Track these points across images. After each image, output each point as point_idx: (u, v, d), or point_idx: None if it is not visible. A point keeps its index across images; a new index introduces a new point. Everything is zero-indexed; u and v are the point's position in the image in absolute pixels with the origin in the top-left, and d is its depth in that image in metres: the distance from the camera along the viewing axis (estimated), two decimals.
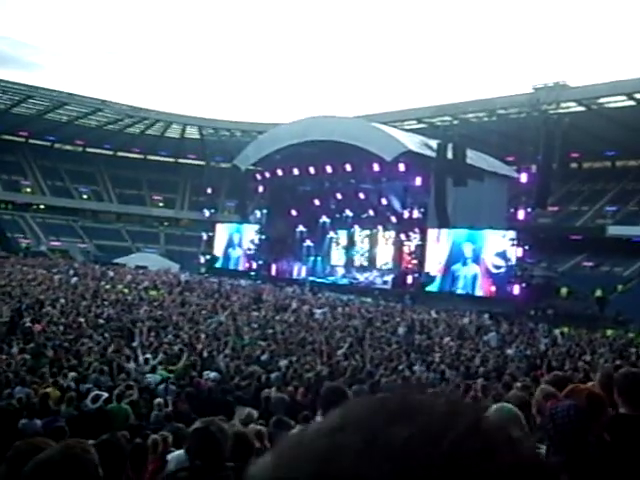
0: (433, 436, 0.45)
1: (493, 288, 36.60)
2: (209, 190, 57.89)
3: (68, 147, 79.25)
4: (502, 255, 36.01)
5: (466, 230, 37.95)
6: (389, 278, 43.31)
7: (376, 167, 40.24)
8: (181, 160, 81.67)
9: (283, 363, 16.57)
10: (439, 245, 39.17)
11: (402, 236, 42.83)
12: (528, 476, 0.48)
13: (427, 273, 39.26)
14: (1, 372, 13.87)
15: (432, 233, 39.63)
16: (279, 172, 47.39)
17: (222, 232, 56.02)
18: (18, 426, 9.87)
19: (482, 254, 37.25)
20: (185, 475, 3.17)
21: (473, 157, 38.94)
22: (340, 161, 42.40)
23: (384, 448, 0.44)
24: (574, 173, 55.73)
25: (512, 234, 35.64)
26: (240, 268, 52.34)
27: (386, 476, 0.43)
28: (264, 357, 17.80)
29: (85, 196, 76.66)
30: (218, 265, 54.54)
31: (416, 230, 40.76)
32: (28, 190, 73.81)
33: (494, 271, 36.65)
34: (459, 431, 0.46)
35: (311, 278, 46.91)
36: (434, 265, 39.30)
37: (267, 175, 48.67)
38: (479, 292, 37.24)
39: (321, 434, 0.49)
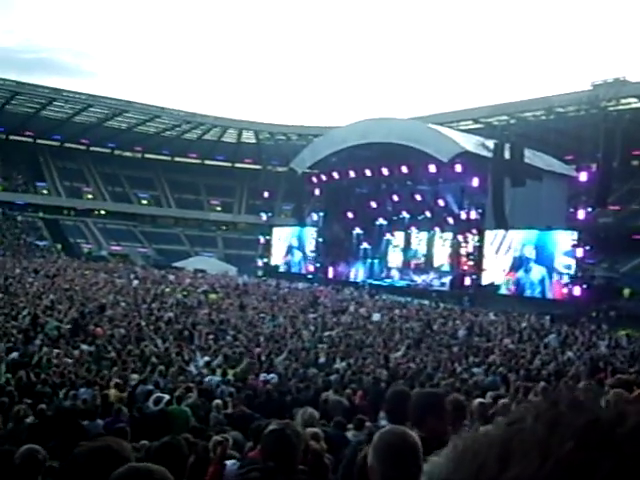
0: (611, 423, 0.52)
1: (565, 290, 35.64)
2: (266, 194, 58.20)
3: (127, 153, 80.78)
4: (571, 255, 35.15)
5: (535, 231, 37.13)
6: (447, 280, 42.94)
7: (432, 168, 39.94)
8: (238, 164, 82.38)
9: (341, 366, 16.55)
10: (502, 247, 38.48)
11: (459, 237, 42.42)
12: None
13: (492, 283, 38.55)
14: (66, 374, 14.19)
15: (490, 235, 39.10)
16: (335, 175, 47.41)
17: (279, 235, 56.30)
18: (82, 426, 10.08)
19: (551, 255, 36.35)
20: (257, 475, 3.17)
21: (531, 156, 38.35)
22: (396, 163, 42.20)
23: (566, 429, 0.52)
24: (635, 171, 54.27)
25: (573, 234, 34.96)
26: (298, 271, 52.52)
27: (570, 451, 0.50)
28: (322, 360, 17.80)
29: (144, 201, 77.97)
30: (275, 268, 54.82)
31: (474, 231, 40.33)
32: (89, 196, 75.43)
33: (564, 271, 35.76)
34: (629, 424, 0.53)
35: (368, 280, 46.80)
36: (497, 270, 38.59)
37: (323, 178, 48.73)
38: (549, 294, 36.35)
39: (498, 429, 0.55)
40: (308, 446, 4.27)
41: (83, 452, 2.60)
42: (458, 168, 38.27)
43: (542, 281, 36.72)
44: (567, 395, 0.58)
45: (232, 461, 6.97)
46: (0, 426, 10.01)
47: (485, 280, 39.10)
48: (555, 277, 36.28)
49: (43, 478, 5.49)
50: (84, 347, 18.21)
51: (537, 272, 36.94)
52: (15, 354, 16.04)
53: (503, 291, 38.08)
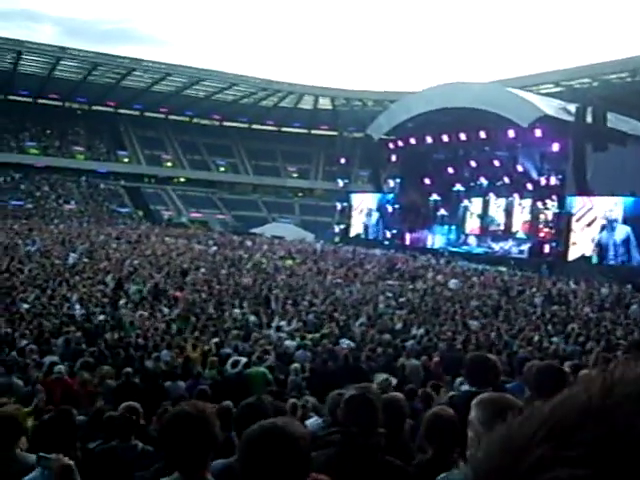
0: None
1: None
2: (342, 160, 58.08)
3: (205, 122, 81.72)
4: None
5: (620, 198, 35.81)
6: (525, 247, 42.14)
7: (511, 133, 39.07)
8: (314, 131, 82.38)
9: (418, 332, 16.53)
10: (587, 217, 37.24)
11: (539, 204, 41.52)
12: None
13: (583, 255, 37.34)
14: (149, 337, 14.62)
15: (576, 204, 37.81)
16: (412, 141, 46.89)
17: (356, 201, 56.20)
18: (164, 387, 10.40)
19: (637, 218, 35.02)
20: (338, 438, 3.21)
21: (614, 120, 37.04)
22: (474, 128, 41.42)
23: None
24: None
25: None
26: (375, 237, 52.43)
27: None
28: (398, 326, 17.81)
29: (222, 168, 78.91)
30: (352, 235, 54.87)
31: (553, 197, 39.40)
32: (169, 164, 76.80)
33: None
34: None
35: (445, 247, 46.41)
36: (586, 241, 37.40)
37: (400, 144, 48.28)
38: (634, 254, 34.99)
39: (593, 393, 0.54)
40: (404, 410, 4.27)
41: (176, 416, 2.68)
42: (538, 133, 37.34)
43: (626, 241, 35.45)
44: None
45: (315, 418, 7.06)
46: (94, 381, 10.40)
47: (573, 254, 37.90)
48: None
49: (136, 436, 5.72)
50: (165, 311, 18.72)
51: (622, 231, 35.65)
52: (102, 317, 16.59)
53: (595, 261, 36.83)
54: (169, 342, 13.97)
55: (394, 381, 6.21)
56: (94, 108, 76.99)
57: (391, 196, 51.29)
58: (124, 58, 65.57)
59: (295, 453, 2.09)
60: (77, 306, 18.04)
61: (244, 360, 11.95)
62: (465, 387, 4.51)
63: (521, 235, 44.38)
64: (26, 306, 17.49)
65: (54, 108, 74.56)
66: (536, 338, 16.42)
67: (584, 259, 37.16)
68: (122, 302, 19.48)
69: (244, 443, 2.15)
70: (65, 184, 69.34)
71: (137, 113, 78.52)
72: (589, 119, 35.64)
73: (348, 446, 3.11)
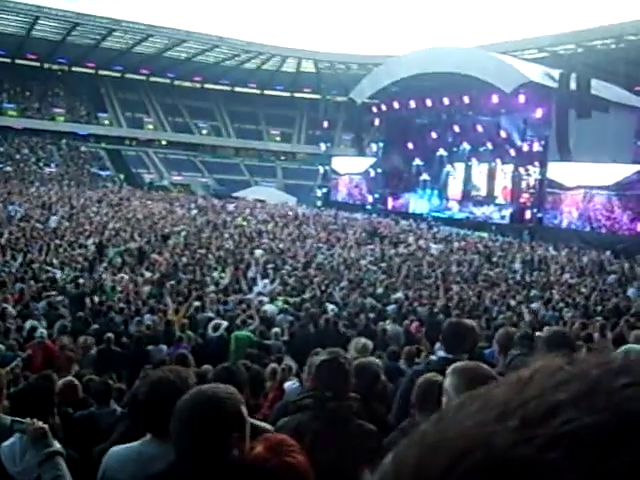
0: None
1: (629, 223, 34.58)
2: (325, 124, 57.88)
3: (187, 84, 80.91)
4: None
5: (600, 164, 35.89)
6: (507, 213, 42.33)
7: (495, 99, 39.00)
8: (297, 94, 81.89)
9: (399, 296, 16.64)
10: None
11: (521, 170, 41.61)
12: None
13: (563, 221, 37.41)
14: (131, 301, 14.64)
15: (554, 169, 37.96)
16: (395, 105, 46.74)
17: (338, 165, 56.09)
18: (148, 351, 10.47)
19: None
20: (310, 403, 3.24)
21: (598, 87, 37.00)
22: (458, 93, 41.30)
23: (605, 395, 0.48)
24: None
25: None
26: (356, 202, 52.47)
27: (606, 420, 0.47)
28: (380, 290, 17.91)
29: (204, 131, 78.40)
30: (334, 199, 54.89)
31: (536, 164, 39.49)
32: (150, 127, 76.11)
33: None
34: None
35: (427, 212, 46.53)
36: (568, 207, 37.52)
37: (383, 108, 48.11)
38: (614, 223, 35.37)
39: (550, 384, 0.52)
40: (379, 376, 4.29)
41: (144, 387, 2.73)
42: (521, 99, 37.29)
43: (608, 208, 35.58)
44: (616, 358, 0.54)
45: (292, 381, 7.16)
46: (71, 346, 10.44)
47: (554, 220, 38.05)
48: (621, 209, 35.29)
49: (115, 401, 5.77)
50: (147, 274, 18.69)
51: (602, 198, 35.84)
52: (82, 281, 16.53)
53: (575, 228, 36.99)
54: (151, 306, 13.99)
55: (371, 345, 6.26)
56: (74, 69, 75.87)
57: (373, 160, 51.21)
58: (103, 18, 64.52)
59: (221, 413, 2.27)
60: (58, 270, 17.98)
61: (225, 324, 12.02)
62: (441, 353, 4.55)
63: (502, 201, 44.54)
64: (14, 269, 17.47)
65: (33, 69, 73.46)
66: (514, 303, 16.61)
67: (565, 225, 37.43)
68: (103, 266, 19.44)
69: (174, 413, 2.32)
70: (45, 147, 68.59)
71: (118, 75, 77.48)
72: (573, 86, 35.57)
73: (320, 410, 3.15)
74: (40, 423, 3.28)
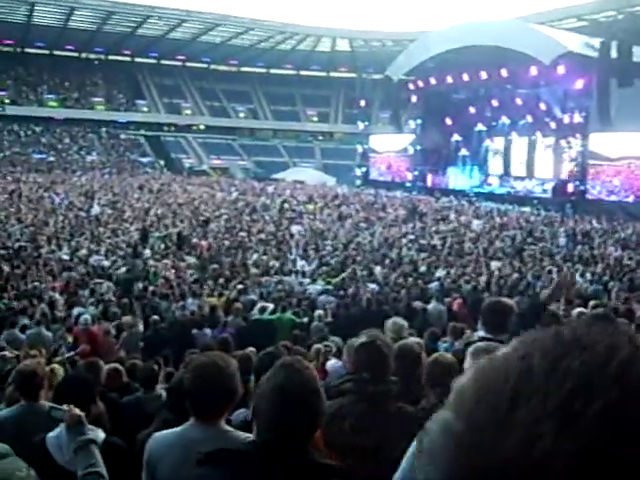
0: (601, 361, 0.53)
1: None
2: (362, 102, 57.48)
3: (223, 68, 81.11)
4: None
5: None
6: (549, 187, 41.66)
7: (534, 71, 38.29)
8: (333, 73, 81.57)
9: (441, 274, 16.54)
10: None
11: (562, 142, 40.88)
12: None
13: (606, 192, 36.63)
14: (175, 286, 14.80)
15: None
16: (432, 81, 46.24)
17: (377, 144, 55.84)
18: (192, 335, 10.58)
19: None
20: (350, 387, 3.25)
21: None
22: (495, 66, 40.65)
23: (565, 371, 0.53)
24: None
25: None
26: (395, 180, 52.23)
27: (567, 393, 0.52)
28: (422, 268, 17.80)
29: (242, 114, 78.61)
30: (373, 177, 54.70)
31: (577, 136, 38.76)
32: (188, 112, 76.53)
33: None
34: (622, 357, 0.53)
35: (468, 188, 46.10)
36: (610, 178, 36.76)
37: (420, 84, 47.62)
38: None
39: (513, 360, 0.57)
40: (420, 358, 4.24)
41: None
42: (561, 70, 36.55)
43: None
44: (570, 331, 0.58)
45: (334, 360, 7.15)
46: (114, 333, 10.63)
47: (597, 193, 37.41)
48: None
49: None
50: (190, 259, 18.87)
51: None
52: (125, 268, 16.76)
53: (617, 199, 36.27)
54: (194, 290, 14.13)
55: (406, 325, 6.20)
56: (111, 58, 76.71)
57: (412, 137, 50.84)
58: (138, 6, 64.83)
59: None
60: (103, 257, 18.24)
61: (271, 307, 12.09)
62: (481, 333, 4.50)
63: (546, 174, 43.89)
64: (65, 257, 17.85)
65: (71, 59, 74.41)
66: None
67: (608, 198, 36.80)
68: (147, 252, 19.66)
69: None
70: (86, 135, 69.50)
71: (154, 61, 78.10)
72: (614, 54, 34.78)
73: (359, 394, 3.15)
74: (77, 410, 3.29)
